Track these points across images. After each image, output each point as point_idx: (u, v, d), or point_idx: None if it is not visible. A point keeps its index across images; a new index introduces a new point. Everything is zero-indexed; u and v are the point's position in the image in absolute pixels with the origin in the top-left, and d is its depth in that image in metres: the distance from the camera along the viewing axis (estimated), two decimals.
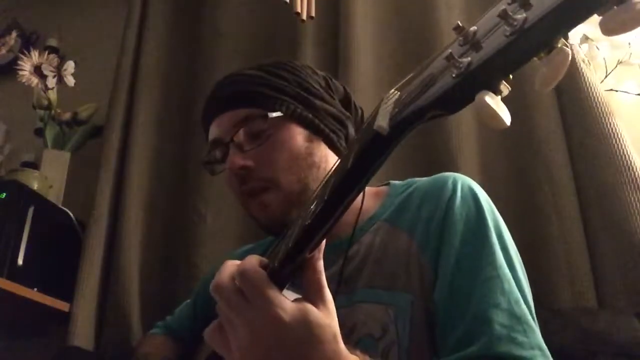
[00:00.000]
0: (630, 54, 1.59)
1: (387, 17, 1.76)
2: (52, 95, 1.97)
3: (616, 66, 1.59)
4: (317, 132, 0.92)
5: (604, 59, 1.59)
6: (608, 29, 0.32)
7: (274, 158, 0.88)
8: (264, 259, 0.58)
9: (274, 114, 0.89)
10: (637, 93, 1.58)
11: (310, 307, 0.55)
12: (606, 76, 1.58)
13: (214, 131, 0.95)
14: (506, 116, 0.37)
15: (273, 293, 0.54)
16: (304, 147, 0.90)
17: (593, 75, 1.45)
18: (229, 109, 0.93)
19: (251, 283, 0.54)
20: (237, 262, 0.58)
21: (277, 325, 0.53)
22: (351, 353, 0.58)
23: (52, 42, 2.28)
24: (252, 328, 0.54)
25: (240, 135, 0.90)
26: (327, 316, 0.56)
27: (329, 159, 0.93)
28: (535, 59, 0.36)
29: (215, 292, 0.57)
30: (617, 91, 1.58)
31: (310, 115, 0.92)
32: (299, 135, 0.91)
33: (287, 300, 0.55)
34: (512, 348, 0.69)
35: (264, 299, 0.54)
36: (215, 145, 0.95)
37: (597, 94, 1.38)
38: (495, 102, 0.37)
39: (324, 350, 0.55)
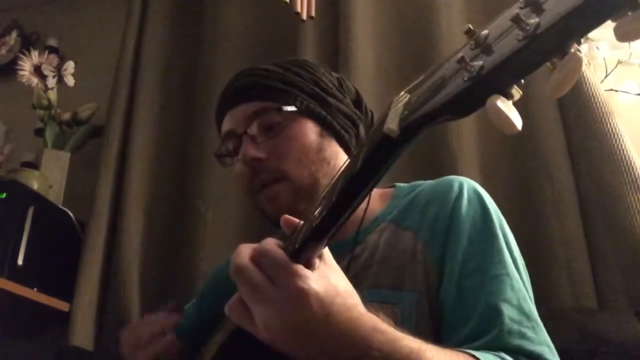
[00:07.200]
0: (630, 54, 1.60)
1: (386, 17, 1.77)
2: (52, 95, 1.96)
3: (616, 66, 1.59)
4: (329, 129, 0.94)
5: (604, 59, 1.59)
6: (622, 35, 0.32)
7: (286, 151, 0.89)
8: (280, 242, 0.57)
9: (288, 108, 0.91)
10: (637, 93, 1.58)
11: (332, 271, 0.57)
12: (606, 76, 1.58)
13: (227, 123, 0.96)
14: (517, 120, 0.37)
15: (295, 268, 0.53)
16: (315, 142, 0.91)
17: (593, 75, 1.45)
18: (243, 101, 0.94)
19: (273, 261, 0.54)
20: (253, 245, 0.57)
21: (304, 301, 0.53)
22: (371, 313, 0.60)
23: (52, 42, 2.27)
24: (278, 306, 0.53)
25: (254, 128, 0.91)
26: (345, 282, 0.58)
27: (340, 156, 0.94)
28: (547, 64, 0.36)
29: (236, 274, 0.55)
30: (617, 91, 1.59)
31: (323, 112, 0.93)
32: (311, 131, 0.92)
33: (309, 271, 0.54)
34: (523, 343, 0.70)
35: (288, 275, 0.53)
36: (228, 138, 0.96)
37: (597, 94, 1.39)
38: (506, 107, 0.37)
39: (352, 312, 0.57)
